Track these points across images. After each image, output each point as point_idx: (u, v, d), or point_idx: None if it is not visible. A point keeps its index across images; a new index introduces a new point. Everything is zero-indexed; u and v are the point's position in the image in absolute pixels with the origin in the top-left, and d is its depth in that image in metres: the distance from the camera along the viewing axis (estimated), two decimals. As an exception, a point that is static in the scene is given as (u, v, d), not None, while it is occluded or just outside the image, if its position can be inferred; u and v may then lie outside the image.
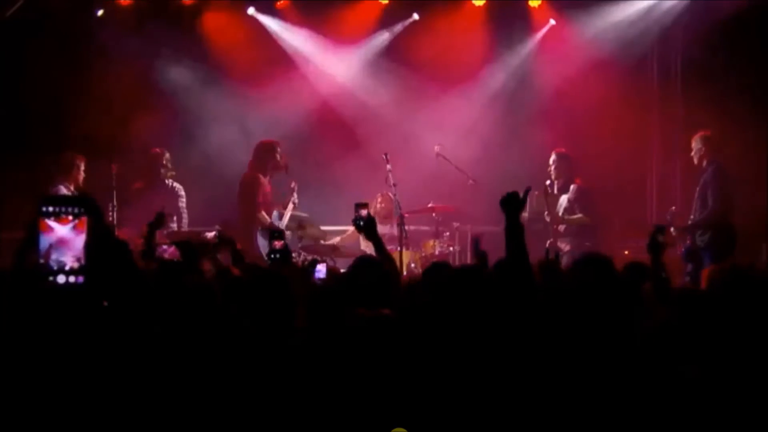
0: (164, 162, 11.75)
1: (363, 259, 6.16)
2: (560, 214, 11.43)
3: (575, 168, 11.65)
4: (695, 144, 10.88)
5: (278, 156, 11.52)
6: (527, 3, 12.95)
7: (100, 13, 12.63)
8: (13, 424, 4.38)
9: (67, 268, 4.30)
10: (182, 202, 11.82)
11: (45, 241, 4.33)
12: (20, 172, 11.74)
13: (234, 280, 6.06)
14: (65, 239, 4.35)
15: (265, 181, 11.51)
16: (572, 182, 11.53)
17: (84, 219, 4.42)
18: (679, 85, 13.09)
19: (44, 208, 4.39)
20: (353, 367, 4.59)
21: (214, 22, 12.92)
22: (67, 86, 12.34)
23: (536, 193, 12.10)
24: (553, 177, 11.63)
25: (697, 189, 10.72)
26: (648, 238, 6.19)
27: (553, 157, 11.67)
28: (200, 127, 12.93)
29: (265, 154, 11.51)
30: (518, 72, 13.23)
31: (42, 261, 4.29)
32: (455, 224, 11.73)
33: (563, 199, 11.49)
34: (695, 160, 10.91)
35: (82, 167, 11.34)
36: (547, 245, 11.17)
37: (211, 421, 4.52)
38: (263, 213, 11.41)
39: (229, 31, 12.96)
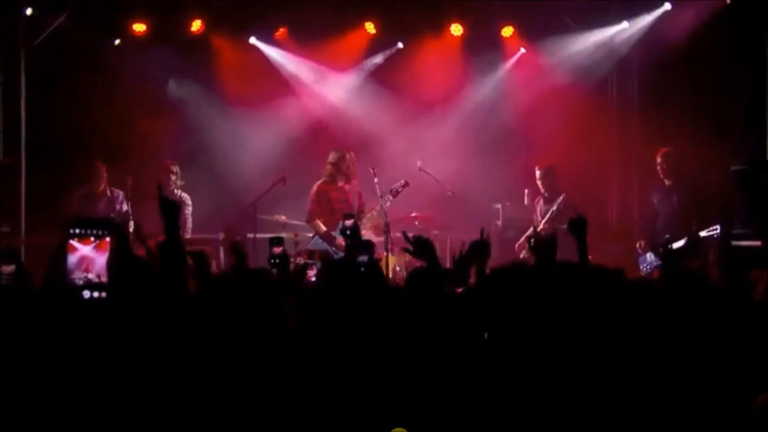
0: (173, 172, 11.77)
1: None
2: (548, 222, 11.35)
3: (561, 180, 11.62)
4: (661, 159, 11.01)
5: (330, 164, 11.22)
6: (500, 33, 12.97)
7: (117, 41, 12.63)
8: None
9: (90, 284, 4.33)
10: (188, 211, 11.77)
11: (70, 259, 4.37)
12: (48, 183, 11.85)
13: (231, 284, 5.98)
14: (88, 257, 4.38)
15: (329, 188, 11.27)
16: (559, 193, 11.41)
17: (106, 240, 4.44)
18: (636, 105, 13.14)
19: (71, 230, 4.42)
20: (350, 366, 4.57)
21: (220, 50, 12.89)
22: (87, 106, 12.33)
23: (508, 203, 12.19)
24: (542, 190, 11.60)
25: (676, 201, 10.83)
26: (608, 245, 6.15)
27: (538, 173, 11.62)
28: (207, 143, 12.92)
29: (330, 163, 11.29)
30: (492, 94, 13.27)
31: (68, 278, 4.32)
32: (435, 231, 11.65)
33: (552, 208, 11.43)
34: (662, 174, 11.01)
35: (104, 174, 11.45)
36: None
37: (215, 423, 4.47)
38: (316, 221, 11.19)
39: (233, 57, 12.94)
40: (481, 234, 6.00)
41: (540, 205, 11.69)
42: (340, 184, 11.26)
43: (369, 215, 11.14)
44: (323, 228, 11.10)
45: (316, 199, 11.25)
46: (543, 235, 5.91)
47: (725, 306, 5.04)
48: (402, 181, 11.10)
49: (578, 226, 5.53)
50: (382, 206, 10.99)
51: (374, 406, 4.38)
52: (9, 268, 5.52)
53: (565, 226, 11.29)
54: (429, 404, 4.39)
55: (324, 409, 4.39)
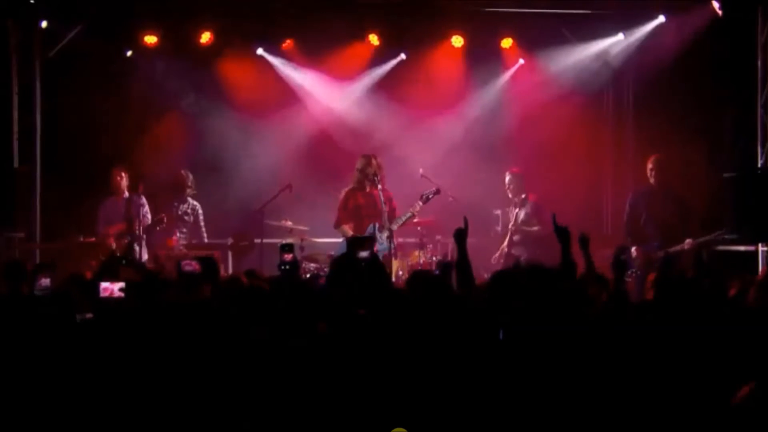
0: (188, 183, 11.89)
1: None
2: (515, 225, 11.61)
3: (527, 184, 11.76)
4: (653, 164, 10.98)
5: (357, 170, 11.16)
6: (500, 45, 13.04)
7: (129, 53, 12.73)
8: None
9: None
10: (201, 219, 11.98)
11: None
12: (62, 190, 12.02)
13: (245, 289, 6.02)
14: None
15: (357, 194, 11.20)
16: (526, 197, 11.63)
17: None
18: (630, 114, 13.32)
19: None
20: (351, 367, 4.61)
21: (229, 61, 12.94)
22: (100, 115, 12.47)
23: (507, 209, 12.24)
24: (510, 195, 11.78)
25: (671, 206, 10.81)
26: (612, 257, 6.01)
27: (508, 177, 11.81)
28: (215, 151, 12.90)
29: (357, 169, 11.22)
30: (492, 103, 13.33)
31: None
32: (437, 237, 11.71)
33: (519, 213, 11.62)
34: (653, 180, 11.00)
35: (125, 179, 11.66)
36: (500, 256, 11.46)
37: (218, 424, 4.60)
38: (344, 226, 11.12)
39: (241, 68, 12.98)
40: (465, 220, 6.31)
41: (513, 210, 11.79)
42: (368, 189, 11.20)
43: (401, 217, 10.99)
44: (350, 233, 11.02)
45: (343, 206, 11.21)
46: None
47: (714, 308, 5.17)
48: (434, 189, 11.06)
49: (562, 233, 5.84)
50: (412, 211, 10.99)
51: (374, 407, 4.42)
52: (46, 281, 5.84)
53: (533, 228, 11.53)
54: (428, 405, 4.43)
55: (325, 410, 4.47)
